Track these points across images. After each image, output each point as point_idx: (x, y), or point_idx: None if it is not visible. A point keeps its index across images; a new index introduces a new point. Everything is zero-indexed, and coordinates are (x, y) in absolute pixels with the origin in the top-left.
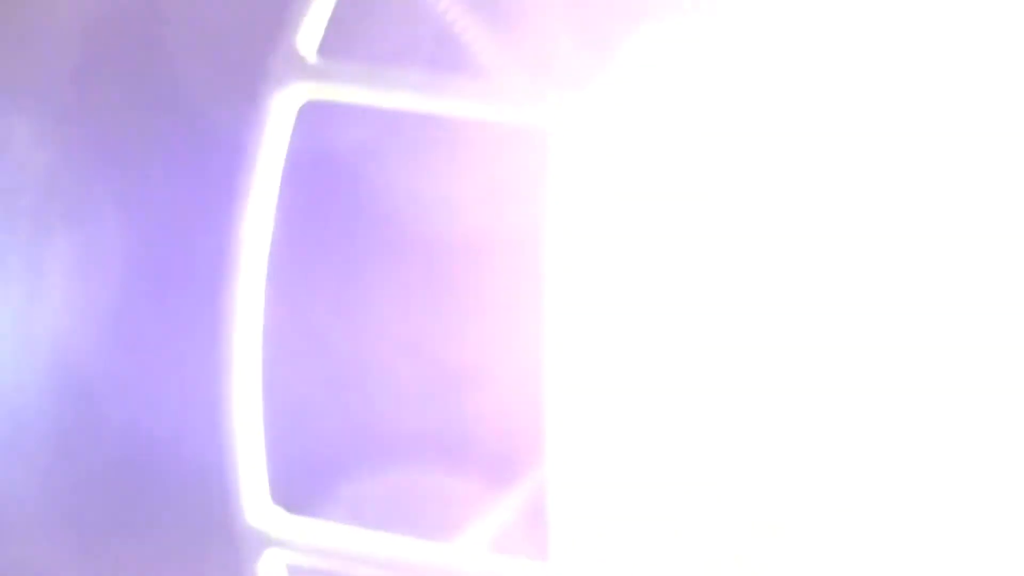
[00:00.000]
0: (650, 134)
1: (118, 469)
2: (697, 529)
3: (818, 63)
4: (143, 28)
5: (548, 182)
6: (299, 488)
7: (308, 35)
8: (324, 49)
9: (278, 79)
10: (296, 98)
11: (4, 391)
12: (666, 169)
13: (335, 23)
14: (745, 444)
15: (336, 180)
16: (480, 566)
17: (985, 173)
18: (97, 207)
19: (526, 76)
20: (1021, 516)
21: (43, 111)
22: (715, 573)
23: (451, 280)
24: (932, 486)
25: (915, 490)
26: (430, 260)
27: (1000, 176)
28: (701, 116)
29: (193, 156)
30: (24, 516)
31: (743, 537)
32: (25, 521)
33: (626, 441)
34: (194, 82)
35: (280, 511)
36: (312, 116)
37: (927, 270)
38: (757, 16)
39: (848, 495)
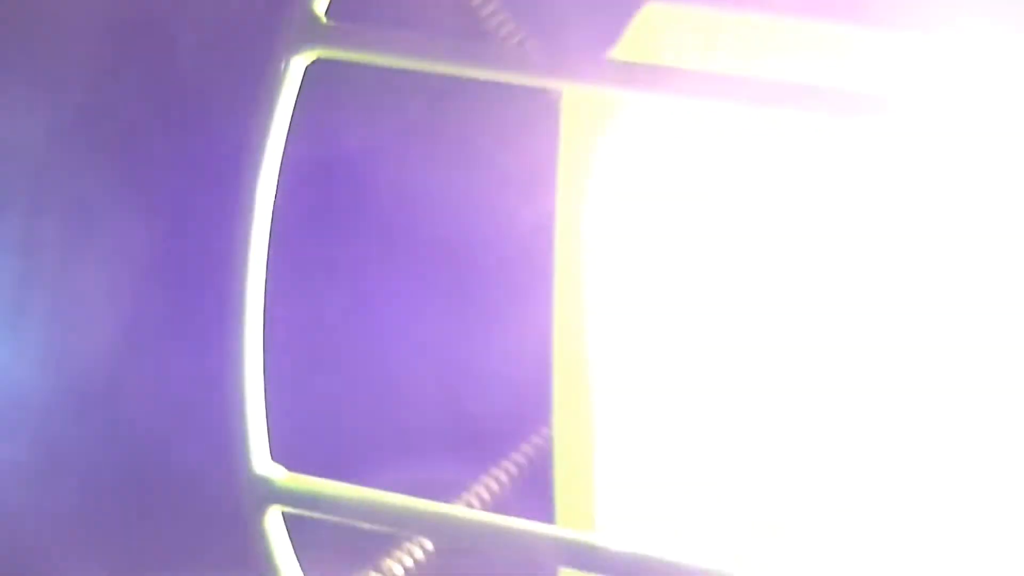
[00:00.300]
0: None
1: (128, 432)
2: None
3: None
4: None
5: (560, 159)
6: (299, 458)
7: None
8: (338, 13)
9: (291, 42)
10: (307, 61)
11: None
12: (688, 158)
13: None
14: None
15: (341, 161)
16: (482, 523)
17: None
18: (103, 177)
19: (543, 43)
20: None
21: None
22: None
23: (458, 264)
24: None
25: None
26: (438, 245)
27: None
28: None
29: (204, 122)
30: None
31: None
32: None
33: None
34: (204, 52)
35: (282, 468)
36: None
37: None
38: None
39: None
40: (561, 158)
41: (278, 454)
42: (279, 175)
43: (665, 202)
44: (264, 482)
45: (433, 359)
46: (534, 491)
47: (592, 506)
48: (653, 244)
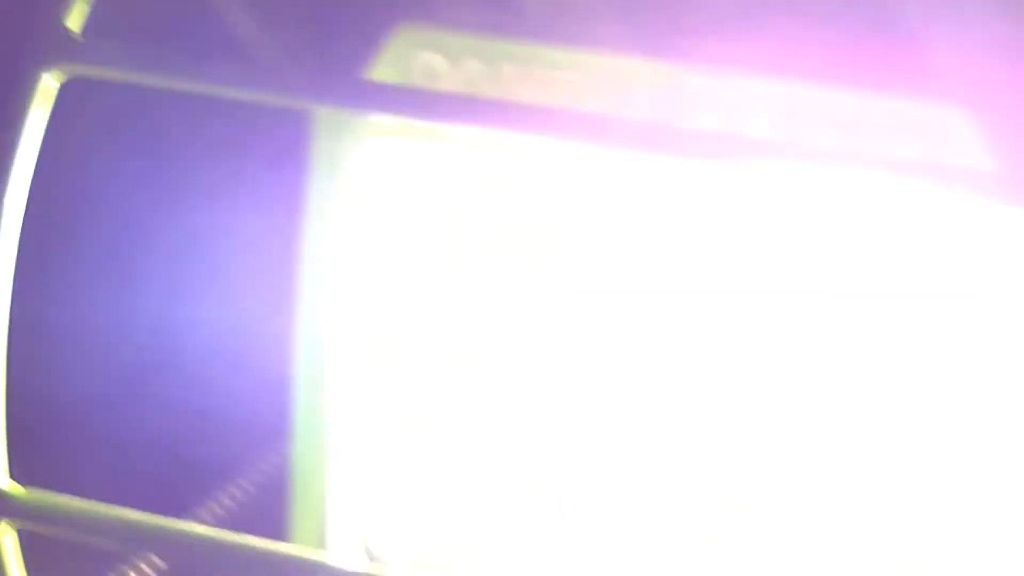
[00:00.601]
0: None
1: None
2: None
3: None
4: None
5: (311, 172)
6: (35, 470)
7: (75, 14)
8: (91, 29)
9: (44, 58)
10: (61, 77)
11: None
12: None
13: (103, 3)
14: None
15: (93, 166)
16: (215, 539)
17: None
18: None
19: (293, 61)
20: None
21: None
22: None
23: (202, 279)
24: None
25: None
26: (181, 246)
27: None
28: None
29: None
30: None
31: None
32: None
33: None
34: None
35: (15, 483)
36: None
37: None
38: None
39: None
40: (313, 173)
41: (14, 469)
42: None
43: (416, 216)
44: (1, 496)
45: (173, 377)
46: (269, 509)
47: (325, 525)
48: (406, 262)
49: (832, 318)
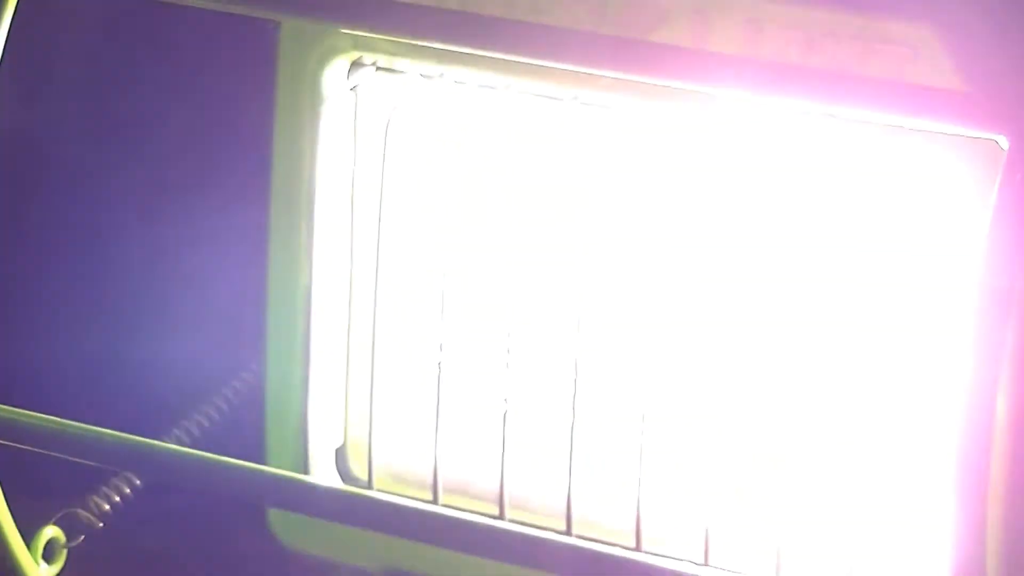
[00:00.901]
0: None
1: None
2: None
3: None
4: None
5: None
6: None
7: None
8: None
9: None
10: None
11: None
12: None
13: None
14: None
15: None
16: (190, 458)
17: None
18: None
19: None
20: None
21: None
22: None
23: (175, 194)
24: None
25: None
26: (158, 174)
27: None
28: None
29: None
30: None
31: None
32: None
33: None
34: None
35: None
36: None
37: None
38: None
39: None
40: (279, 87)
41: None
42: None
43: (392, 136)
44: None
45: (148, 295)
46: (244, 428)
47: (302, 444)
48: (383, 180)
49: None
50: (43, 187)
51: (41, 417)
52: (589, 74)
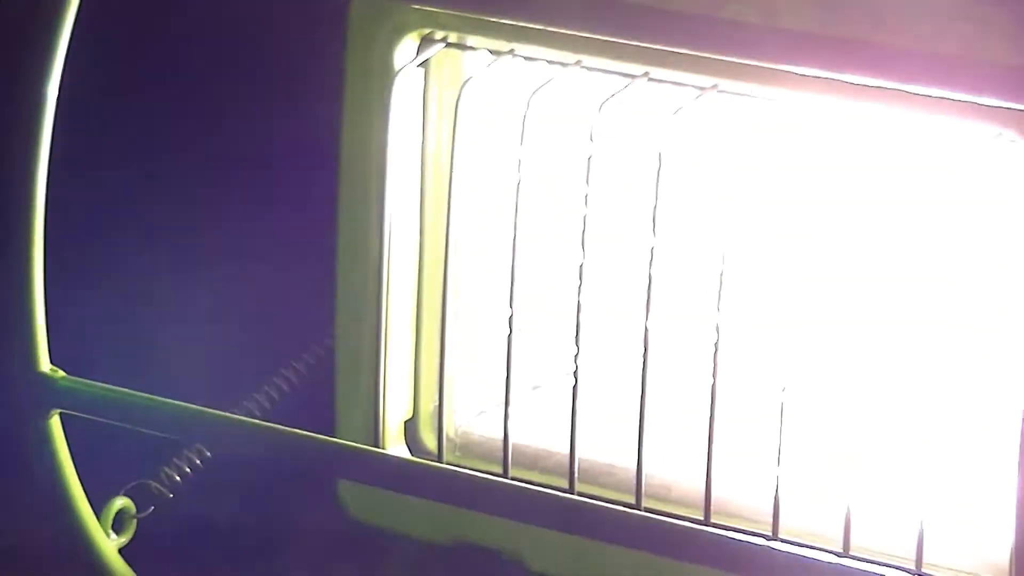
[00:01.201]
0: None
1: None
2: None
3: None
4: None
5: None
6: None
7: None
8: None
9: None
10: None
11: None
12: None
13: None
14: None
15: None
16: (261, 431)
17: None
18: None
19: None
20: None
21: None
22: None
23: (242, 172)
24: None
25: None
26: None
27: None
28: None
29: None
30: None
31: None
32: None
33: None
34: None
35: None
36: None
37: None
38: None
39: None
40: (349, 62)
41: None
42: None
43: (463, 111)
44: (47, 384)
45: (220, 269)
46: (314, 402)
47: (372, 417)
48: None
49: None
50: (120, 158)
51: (113, 389)
52: (660, 51)
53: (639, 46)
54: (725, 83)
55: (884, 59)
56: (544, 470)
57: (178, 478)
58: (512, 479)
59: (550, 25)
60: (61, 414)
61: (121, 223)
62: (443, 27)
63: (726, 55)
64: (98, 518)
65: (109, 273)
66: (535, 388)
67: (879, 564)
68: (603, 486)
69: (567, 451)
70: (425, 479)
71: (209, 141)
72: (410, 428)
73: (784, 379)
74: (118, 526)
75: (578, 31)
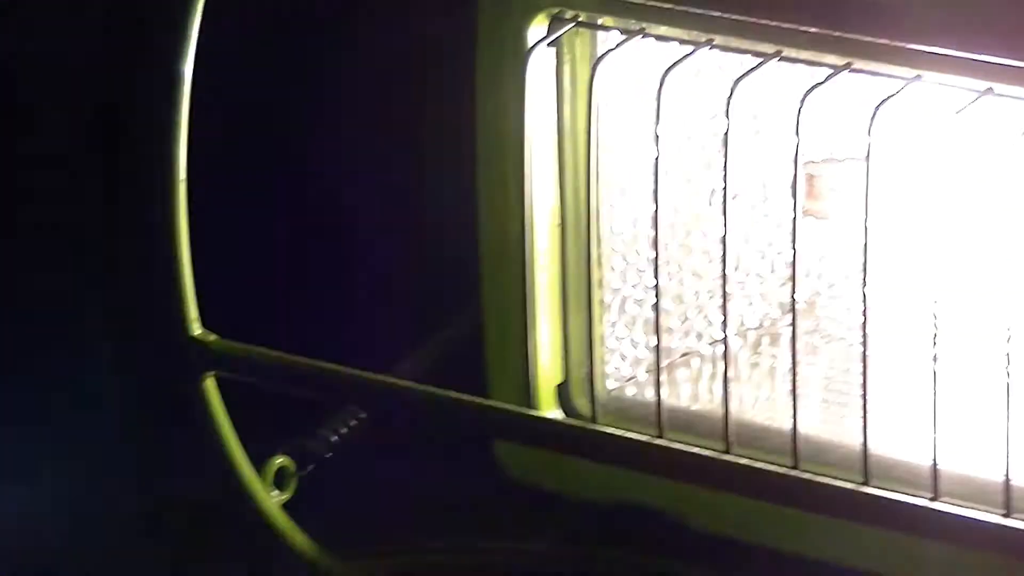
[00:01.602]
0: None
1: None
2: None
3: None
4: None
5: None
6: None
7: None
8: None
9: None
10: None
11: None
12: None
13: None
14: None
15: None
16: (415, 392)
17: None
18: None
19: None
20: None
21: None
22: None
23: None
24: None
25: None
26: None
27: None
28: None
29: None
30: None
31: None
32: None
33: None
34: None
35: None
36: None
37: None
38: None
39: None
40: (481, 41)
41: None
42: None
43: (596, 90)
44: (202, 347)
45: (366, 236)
46: (468, 364)
47: (523, 381)
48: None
49: None
50: (264, 131)
51: (265, 353)
52: (793, 30)
53: (769, 25)
54: (859, 63)
55: None
56: (699, 434)
57: (336, 438)
58: (668, 439)
59: (680, 3)
60: (217, 376)
61: (271, 187)
62: (573, 6)
63: (861, 34)
64: (260, 475)
65: (266, 233)
66: (684, 355)
67: None
68: (758, 448)
69: (721, 414)
70: (580, 439)
71: (348, 122)
72: (563, 392)
73: (935, 336)
74: (280, 483)
75: (708, 10)
